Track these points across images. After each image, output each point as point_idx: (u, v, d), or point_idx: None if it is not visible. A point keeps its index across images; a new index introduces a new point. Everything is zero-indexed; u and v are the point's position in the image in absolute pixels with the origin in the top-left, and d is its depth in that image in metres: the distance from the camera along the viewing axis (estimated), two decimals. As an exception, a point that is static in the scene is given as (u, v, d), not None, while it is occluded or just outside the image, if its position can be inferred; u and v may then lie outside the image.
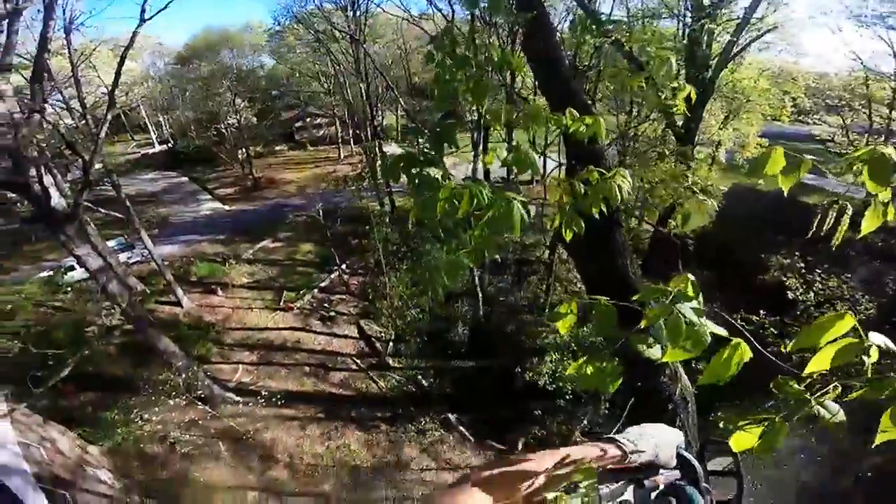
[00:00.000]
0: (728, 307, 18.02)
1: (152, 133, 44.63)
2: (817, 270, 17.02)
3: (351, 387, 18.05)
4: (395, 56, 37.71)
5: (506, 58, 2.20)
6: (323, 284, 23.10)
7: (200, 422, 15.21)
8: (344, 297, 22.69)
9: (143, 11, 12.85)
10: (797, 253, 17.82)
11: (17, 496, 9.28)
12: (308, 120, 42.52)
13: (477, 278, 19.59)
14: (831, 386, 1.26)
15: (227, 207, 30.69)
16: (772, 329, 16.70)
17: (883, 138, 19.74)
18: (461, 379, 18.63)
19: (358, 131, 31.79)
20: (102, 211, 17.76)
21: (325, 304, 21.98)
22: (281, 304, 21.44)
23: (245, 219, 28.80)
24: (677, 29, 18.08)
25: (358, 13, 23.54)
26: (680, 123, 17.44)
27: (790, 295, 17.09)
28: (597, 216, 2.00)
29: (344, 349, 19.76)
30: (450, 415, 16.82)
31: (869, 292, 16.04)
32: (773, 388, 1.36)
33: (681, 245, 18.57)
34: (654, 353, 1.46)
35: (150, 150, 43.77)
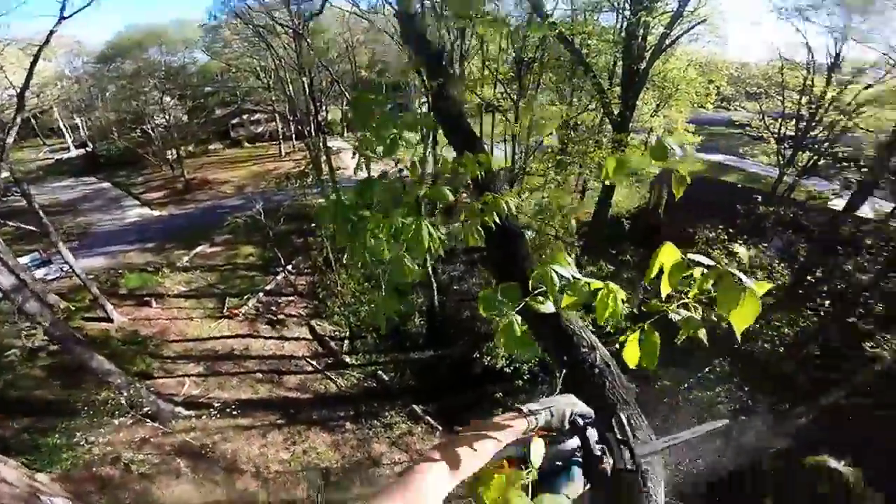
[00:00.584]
0: (661, 280, 20.17)
1: (67, 137, 41.41)
2: (738, 242, 19.25)
3: (309, 389, 18.18)
4: (342, 50, 37.30)
5: (424, 120, 2.73)
6: (268, 288, 22.85)
7: (152, 440, 14.87)
8: (292, 298, 22.62)
9: (62, 9, 12.33)
10: (720, 227, 20.03)
11: None
12: (245, 116, 41.26)
13: (430, 269, 20.31)
14: (681, 301, 1.61)
15: (156, 213, 29.33)
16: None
17: (794, 122, 22.60)
18: (422, 370, 19.38)
19: (300, 127, 31.35)
20: (12, 224, 16.63)
21: (273, 308, 21.80)
22: (224, 311, 21.00)
23: (177, 224, 27.72)
24: (616, 22, 19.59)
25: (301, 7, 23.25)
26: (616, 112, 19.12)
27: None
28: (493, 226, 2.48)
29: (297, 352, 19.78)
30: (415, 406, 17.46)
31: (783, 260, 18.47)
32: (644, 308, 1.66)
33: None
34: (547, 307, 1.69)
35: (66, 155, 40.77)
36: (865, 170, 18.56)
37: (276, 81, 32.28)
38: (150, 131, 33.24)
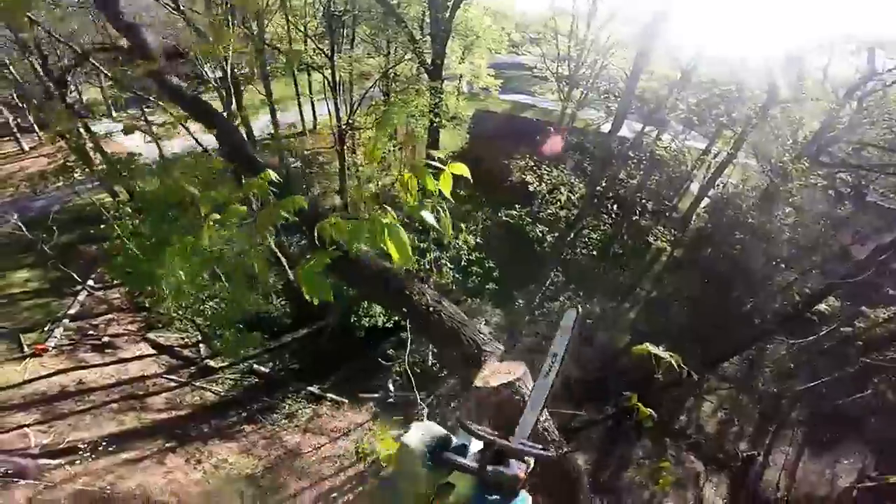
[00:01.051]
0: (492, 208, 24.18)
1: None
2: (543, 166, 23.91)
3: (182, 404, 17.44)
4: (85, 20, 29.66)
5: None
6: (72, 312, 19.75)
7: (39, 497, 13.28)
8: (111, 316, 20.16)
9: None
10: (528, 155, 24.44)
11: None
12: None
13: (274, 245, 20.19)
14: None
15: None
16: (526, 217, 23.45)
17: (566, 63, 28.02)
18: (301, 350, 19.93)
19: (41, 115, 25.27)
20: None
21: (91, 332, 19.23)
22: (25, 350, 17.79)
23: None
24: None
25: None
26: (429, 61, 21.20)
27: (531, 188, 23.68)
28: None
29: (147, 371, 18.31)
30: (310, 388, 18.31)
31: (577, 176, 23.80)
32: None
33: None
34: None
35: None
36: (619, 99, 24.51)
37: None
38: None
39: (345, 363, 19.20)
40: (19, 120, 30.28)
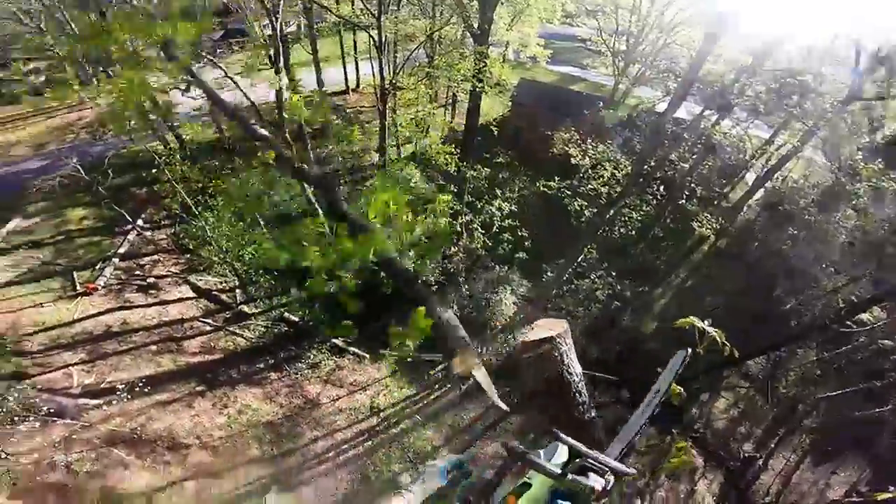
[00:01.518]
0: (530, 178, 23.75)
1: None
2: (588, 140, 23.22)
3: (216, 349, 18.27)
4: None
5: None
6: (122, 251, 20.99)
7: (75, 437, 14.27)
8: (156, 257, 21.32)
9: None
10: (573, 128, 23.74)
11: None
12: (11, 68, 32.85)
13: (310, 194, 20.47)
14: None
15: None
16: (566, 190, 22.93)
17: (624, 38, 26.86)
18: (328, 301, 19.50)
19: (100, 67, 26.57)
20: None
21: (137, 273, 20.43)
22: (77, 288, 19.08)
23: None
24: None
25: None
26: (476, 26, 20.67)
27: (573, 161, 23.11)
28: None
29: (186, 314, 19.27)
30: (335, 340, 18.81)
31: (624, 153, 22.98)
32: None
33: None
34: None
35: None
36: (680, 79, 23.30)
37: (50, 21, 26.48)
38: None
39: (368, 316, 19.51)
40: (79, 74, 31.91)
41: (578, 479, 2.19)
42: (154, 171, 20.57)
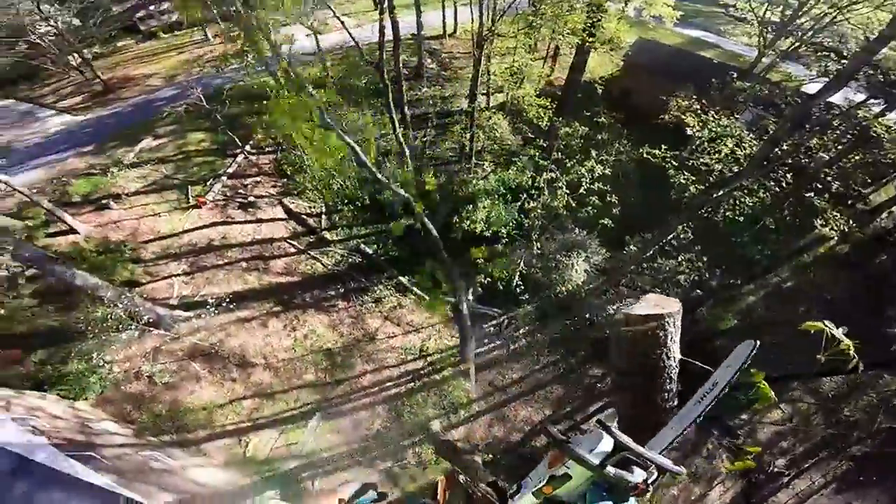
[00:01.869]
0: (632, 143, 22.02)
1: None
2: (710, 112, 20.88)
3: (296, 271, 19.62)
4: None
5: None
6: (230, 170, 22.94)
7: (163, 348, 16.27)
8: (258, 178, 22.99)
9: None
10: (694, 96, 21.43)
11: (51, 469, 9.37)
12: (152, 7, 37.03)
13: (399, 134, 20.75)
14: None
15: (80, 118, 27.12)
16: (672, 161, 20.96)
17: (779, 7, 23.51)
18: (402, 239, 20.71)
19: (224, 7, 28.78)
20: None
21: (241, 191, 22.26)
22: (190, 201, 21.30)
23: (109, 124, 26.14)
24: None
25: None
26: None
27: (688, 132, 20.98)
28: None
29: (276, 234, 20.80)
30: (401, 278, 19.31)
31: (752, 132, 20.40)
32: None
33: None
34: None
35: None
36: (846, 61, 19.97)
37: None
38: (38, 41, 29.58)
39: (436, 260, 19.65)
40: (206, 12, 34.91)
41: (621, 472, 2.08)
42: (265, 102, 22.27)
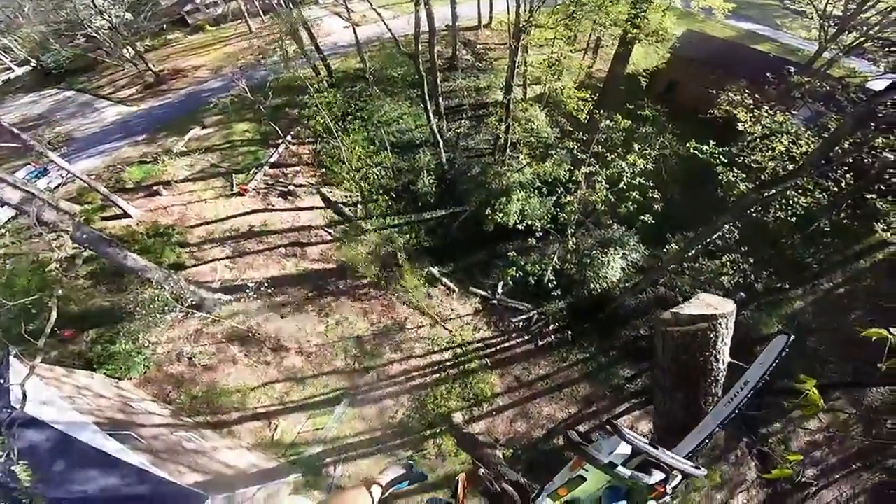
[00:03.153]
0: (679, 137, 21.01)
1: (2, 58, 38.53)
2: (764, 107, 19.69)
3: (331, 258, 19.75)
4: None
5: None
6: (272, 160, 23.40)
7: (204, 330, 16.76)
8: (298, 168, 23.34)
9: None
10: (746, 91, 20.24)
11: (92, 447, 9.53)
12: (199, 1, 38.51)
13: (434, 125, 20.53)
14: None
15: (134, 108, 28.49)
16: (720, 157, 19.89)
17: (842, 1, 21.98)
18: (434, 229, 20.74)
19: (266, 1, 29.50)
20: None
21: (281, 180, 22.65)
22: (234, 188, 21.83)
23: (160, 114, 27.30)
24: None
25: None
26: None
27: (739, 127, 19.87)
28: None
29: (314, 221, 21.06)
30: (431, 268, 19.07)
31: (809, 129, 19.13)
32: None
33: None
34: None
35: (12, 75, 38.18)
36: None
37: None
38: (95, 34, 31.17)
39: (467, 252, 19.54)
40: (248, 6, 35.84)
41: (637, 475, 1.97)
42: (305, 95, 22.69)
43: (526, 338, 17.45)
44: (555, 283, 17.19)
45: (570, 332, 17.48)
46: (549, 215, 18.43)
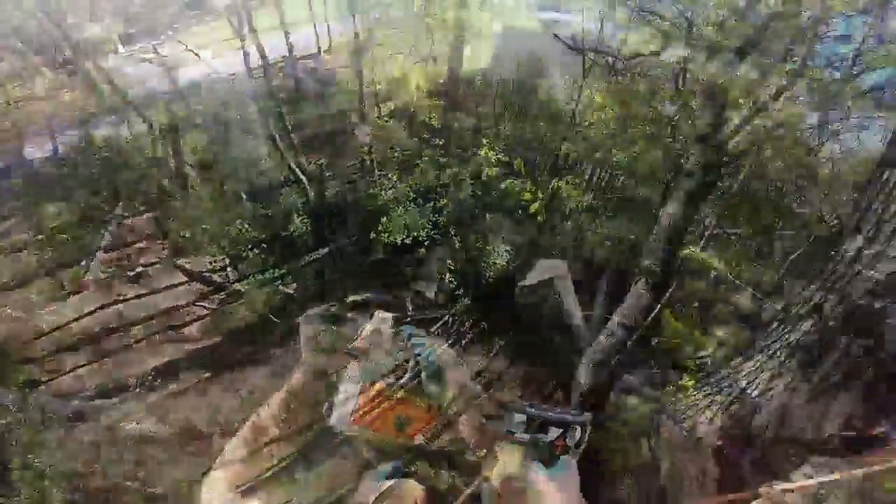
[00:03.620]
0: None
1: None
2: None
3: (217, 330, 18.18)
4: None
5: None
6: (104, 244, 20.32)
7: (102, 439, 14.02)
8: (141, 245, 20.78)
9: None
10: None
11: None
12: None
13: (292, 163, 19.86)
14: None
15: None
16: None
17: None
18: (321, 272, 20.06)
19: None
20: None
21: (124, 262, 19.95)
22: (67, 287, 18.67)
23: None
24: None
25: None
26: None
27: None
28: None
29: (181, 299, 18.85)
30: (331, 308, 18.41)
31: None
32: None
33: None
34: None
35: None
36: None
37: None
38: None
39: (365, 281, 19.22)
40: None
41: (538, 435, 2.24)
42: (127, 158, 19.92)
43: (451, 342, 17.99)
44: (454, 283, 18.01)
45: (484, 324, 18.31)
46: (430, 223, 19.10)
